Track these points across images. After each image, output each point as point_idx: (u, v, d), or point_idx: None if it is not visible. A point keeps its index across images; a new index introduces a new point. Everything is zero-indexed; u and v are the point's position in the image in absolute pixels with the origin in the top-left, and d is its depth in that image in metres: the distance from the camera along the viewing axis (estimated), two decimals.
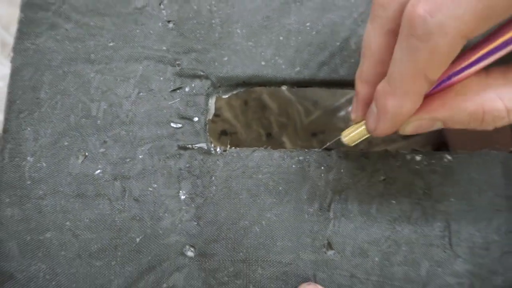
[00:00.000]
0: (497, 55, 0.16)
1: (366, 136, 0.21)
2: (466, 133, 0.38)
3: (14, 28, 0.67)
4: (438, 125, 0.18)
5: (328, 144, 0.24)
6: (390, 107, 0.17)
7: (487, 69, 0.16)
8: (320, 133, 0.55)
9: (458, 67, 0.16)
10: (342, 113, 0.54)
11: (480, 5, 0.13)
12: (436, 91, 0.17)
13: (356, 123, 0.21)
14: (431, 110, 0.17)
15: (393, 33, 0.16)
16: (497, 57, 0.16)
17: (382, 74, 0.17)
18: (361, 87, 0.19)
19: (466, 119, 0.17)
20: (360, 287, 0.22)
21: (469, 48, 0.16)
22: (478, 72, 0.16)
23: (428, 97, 0.17)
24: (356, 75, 0.20)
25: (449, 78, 0.17)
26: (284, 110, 0.58)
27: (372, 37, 0.18)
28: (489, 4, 0.13)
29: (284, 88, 0.60)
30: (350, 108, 0.53)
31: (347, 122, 0.52)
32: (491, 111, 0.16)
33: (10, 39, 0.59)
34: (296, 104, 0.58)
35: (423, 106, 0.17)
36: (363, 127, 0.21)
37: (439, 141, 0.46)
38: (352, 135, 0.21)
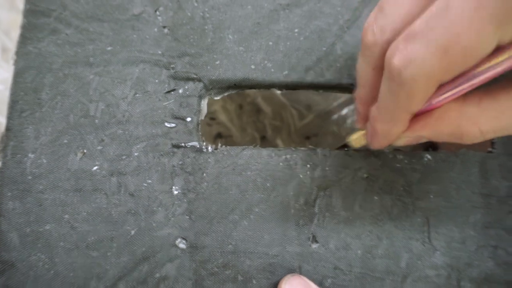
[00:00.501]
0: (468, 86, 0.18)
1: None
2: None
3: (14, 33, 0.68)
4: (425, 139, 0.21)
5: (340, 145, 0.26)
6: (380, 130, 0.20)
7: (464, 95, 0.18)
8: (313, 136, 0.56)
9: (437, 96, 0.19)
10: (335, 116, 0.56)
11: (443, 61, 0.15)
12: (420, 113, 0.20)
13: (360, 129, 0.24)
14: (416, 130, 0.20)
15: (380, 69, 0.19)
16: (469, 88, 0.18)
17: (376, 97, 0.20)
18: (359, 107, 0.23)
19: (447, 138, 0.19)
20: (343, 278, 0.24)
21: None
22: (456, 98, 0.18)
23: (414, 118, 0.20)
24: (355, 95, 0.23)
25: (429, 104, 0.19)
26: (278, 114, 0.59)
27: (362, 70, 0.21)
28: (450, 60, 0.15)
29: (278, 92, 0.61)
30: (343, 112, 0.55)
31: (340, 125, 0.53)
32: (467, 134, 0.18)
33: (10, 44, 0.60)
34: (289, 108, 0.59)
35: (409, 127, 0.20)
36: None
37: (429, 142, 0.48)
38: (358, 140, 0.24)
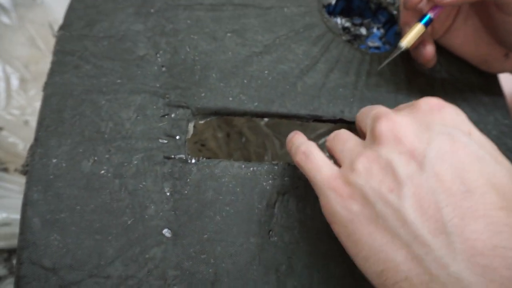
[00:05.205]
0: None
1: (422, 32, 0.32)
2: None
3: (33, 66, 0.76)
4: None
5: (389, 59, 0.33)
6: None
7: None
8: (292, 162, 0.63)
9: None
10: None
11: None
12: None
13: (408, 29, 0.33)
14: None
15: None
16: None
17: None
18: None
19: None
20: (294, 262, 0.30)
21: None
22: None
23: None
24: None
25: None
26: (262, 142, 0.66)
27: None
28: None
29: (262, 123, 0.69)
30: (320, 142, 0.62)
31: None
32: None
33: (28, 76, 0.68)
34: (272, 138, 0.66)
35: None
36: (419, 25, 0.32)
37: None
38: (410, 37, 0.32)
